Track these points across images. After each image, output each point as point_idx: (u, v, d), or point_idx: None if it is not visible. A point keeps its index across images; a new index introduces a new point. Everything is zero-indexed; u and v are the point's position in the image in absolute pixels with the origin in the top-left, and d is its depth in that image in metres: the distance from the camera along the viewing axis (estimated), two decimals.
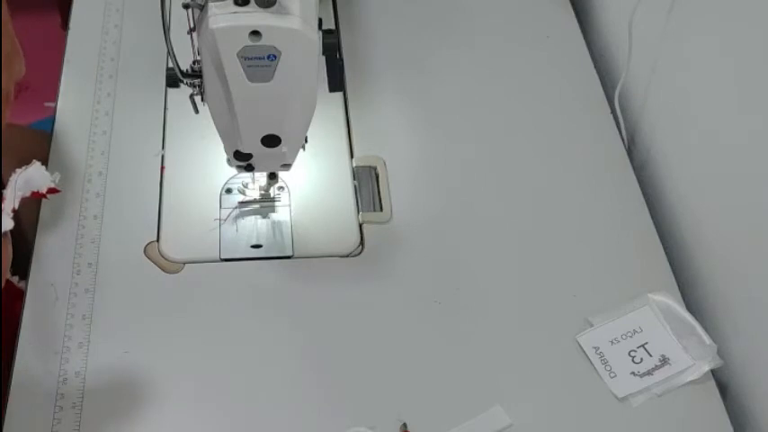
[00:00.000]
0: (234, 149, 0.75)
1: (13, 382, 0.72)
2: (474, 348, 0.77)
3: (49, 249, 0.81)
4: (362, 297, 0.80)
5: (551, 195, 0.89)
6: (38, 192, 0.69)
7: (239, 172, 0.80)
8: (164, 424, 0.71)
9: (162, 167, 0.88)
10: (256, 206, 0.86)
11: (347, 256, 0.83)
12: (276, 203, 0.86)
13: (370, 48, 1.01)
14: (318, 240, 0.84)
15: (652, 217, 0.88)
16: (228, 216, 0.85)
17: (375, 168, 0.90)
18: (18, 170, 0.68)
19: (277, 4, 0.62)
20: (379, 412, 0.73)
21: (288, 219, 0.85)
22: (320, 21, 0.67)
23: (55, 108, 0.92)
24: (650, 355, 0.77)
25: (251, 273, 0.81)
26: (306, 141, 0.77)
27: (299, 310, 0.79)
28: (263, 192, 0.86)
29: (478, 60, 1.00)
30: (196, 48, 0.69)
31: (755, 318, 0.77)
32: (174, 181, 0.87)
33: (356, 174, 0.89)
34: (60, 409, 0.71)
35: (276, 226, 0.85)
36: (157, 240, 0.83)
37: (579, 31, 1.04)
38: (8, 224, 0.65)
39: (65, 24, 1.01)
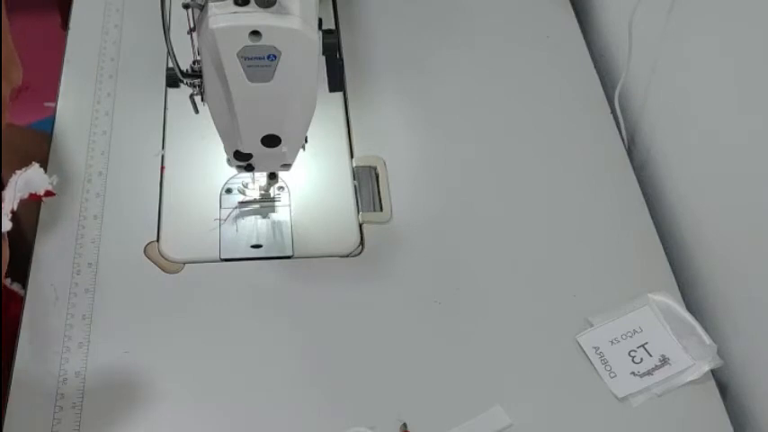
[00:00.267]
0: (234, 149, 0.75)
1: (13, 382, 0.72)
2: (474, 348, 0.77)
3: (49, 249, 0.81)
4: (362, 297, 0.80)
5: (551, 195, 0.89)
6: (35, 194, 0.69)
7: (239, 172, 0.80)
8: (163, 424, 0.71)
9: (162, 167, 0.88)
10: (256, 206, 0.86)
11: (347, 256, 0.83)
12: (276, 203, 0.86)
13: (370, 48, 1.01)
14: (318, 240, 0.84)
15: (652, 217, 0.88)
16: (228, 216, 0.85)
17: (375, 168, 0.90)
18: (18, 172, 0.68)
19: (277, 4, 0.62)
20: (379, 412, 0.73)
21: (288, 219, 0.85)
22: (320, 21, 0.67)
23: (55, 108, 0.92)
24: (650, 355, 0.77)
25: (251, 273, 0.81)
26: (306, 141, 0.77)
27: (299, 310, 0.79)
28: (263, 192, 0.86)
29: (478, 60, 1.00)
30: (196, 48, 0.69)
31: (755, 318, 0.77)
32: (174, 181, 0.87)
33: (356, 174, 0.89)
34: (60, 409, 0.71)
35: (276, 226, 0.85)
36: (157, 240, 0.83)
37: (579, 31, 1.04)
38: (6, 225, 0.66)
39: (65, 24, 1.01)
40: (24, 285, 0.79)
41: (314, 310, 0.79)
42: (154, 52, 0.94)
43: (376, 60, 1.00)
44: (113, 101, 0.93)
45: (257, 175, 0.85)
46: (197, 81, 0.71)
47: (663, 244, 0.86)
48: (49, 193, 0.70)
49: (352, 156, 0.91)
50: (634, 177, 0.91)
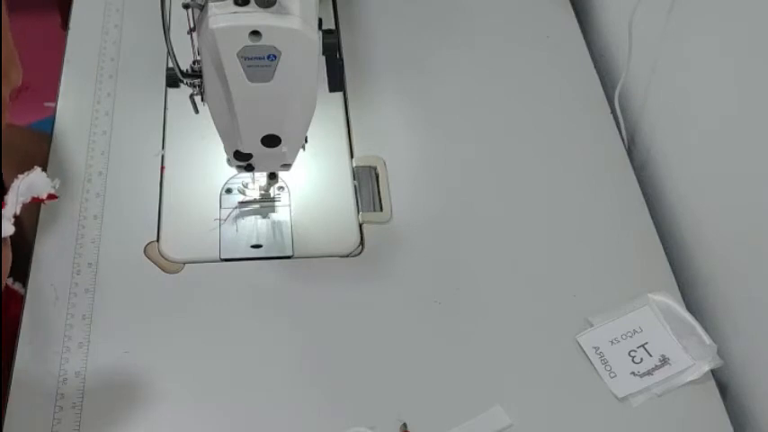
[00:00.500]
0: (234, 149, 0.75)
1: (13, 382, 0.72)
2: (474, 348, 0.77)
3: (49, 249, 0.81)
4: (362, 297, 0.80)
5: (551, 195, 0.89)
6: (37, 197, 0.69)
7: (239, 172, 0.80)
8: (163, 424, 0.71)
9: (162, 167, 0.88)
10: (256, 206, 0.86)
11: (347, 256, 0.83)
12: (276, 203, 0.86)
13: (370, 48, 1.01)
14: (318, 240, 0.84)
15: (652, 217, 0.88)
16: (228, 216, 0.85)
17: (375, 168, 0.90)
18: (20, 176, 0.68)
19: (277, 4, 0.62)
20: (379, 412, 0.73)
21: (288, 219, 0.85)
22: (320, 21, 0.67)
23: (55, 108, 0.92)
24: (650, 355, 0.77)
25: (251, 273, 0.81)
26: (306, 141, 0.77)
27: (299, 310, 0.79)
28: (263, 192, 0.86)
29: (478, 60, 1.00)
30: (196, 48, 0.69)
31: (755, 318, 0.77)
32: (174, 181, 0.87)
33: (356, 174, 0.89)
34: (60, 409, 0.71)
35: (276, 226, 0.85)
36: (157, 240, 0.83)
37: (579, 31, 1.04)
38: (9, 230, 0.65)
39: (65, 24, 1.01)
40: (24, 285, 0.79)
41: (314, 310, 0.79)
42: (154, 52, 0.94)
43: (376, 60, 1.00)
44: (113, 101, 0.93)
45: (257, 175, 0.85)
46: (197, 81, 0.71)
47: (663, 244, 0.86)
48: (51, 197, 0.70)
49: (352, 156, 0.91)
50: (634, 177, 0.91)
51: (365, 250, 0.83)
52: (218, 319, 0.78)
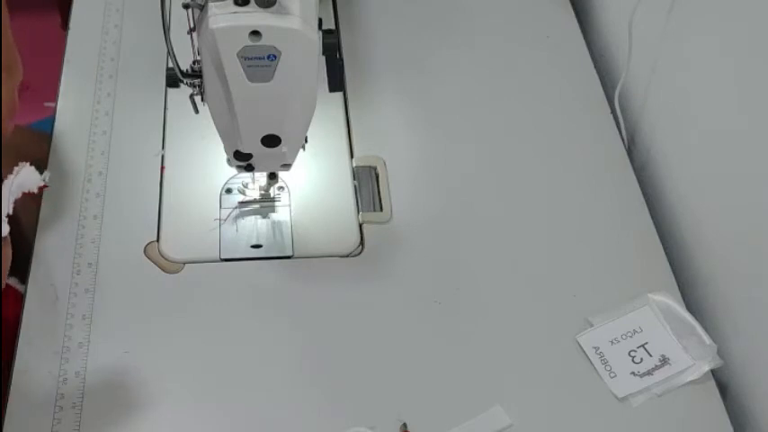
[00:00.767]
0: (234, 149, 0.75)
1: (13, 382, 0.72)
2: (474, 348, 0.77)
3: (49, 249, 0.81)
4: (362, 297, 0.80)
5: (551, 195, 0.89)
6: (29, 192, 0.70)
7: (239, 172, 0.80)
8: (163, 424, 0.71)
9: (162, 167, 0.88)
10: (256, 206, 0.86)
11: (347, 256, 0.83)
12: (276, 203, 0.86)
13: (370, 48, 1.01)
14: (318, 240, 0.84)
15: (652, 217, 0.88)
16: (228, 216, 0.85)
17: (375, 168, 0.90)
18: (10, 176, 0.69)
19: (277, 4, 0.62)
20: (379, 412, 0.73)
21: (288, 219, 0.85)
22: (320, 21, 0.67)
23: (55, 108, 0.92)
24: (650, 355, 0.77)
25: (251, 273, 0.81)
26: (306, 141, 0.77)
27: (299, 310, 0.79)
28: (263, 192, 0.86)
29: (478, 60, 1.00)
30: (196, 48, 0.69)
31: (755, 318, 0.77)
32: (174, 181, 0.87)
33: (356, 174, 0.89)
34: (60, 409, 0.71)
35: (276, 226, 0.85)
36: (157, 240, 0.83)
37: (579, 31, 1.04)
38: (5, 229, 0.66)
39: (65, 24, 1.01)
40: (24, 285, 0.79)
41: (314, 310, 0.79)
42: (154, 52, 0.94)
43: (376, 60, 1.00)
44: (113, 101, 0.93)
45: (257, 175, 0.85)
46: (197, 81, 0.71)
47: (663, 244, 0.86)
48: (42, 187, 0.71)
49: (352, 156, 0.91)
50: (634, 177, 0.91)
51: (365, 250, 0.83)
52: (218, 319, 0.78)
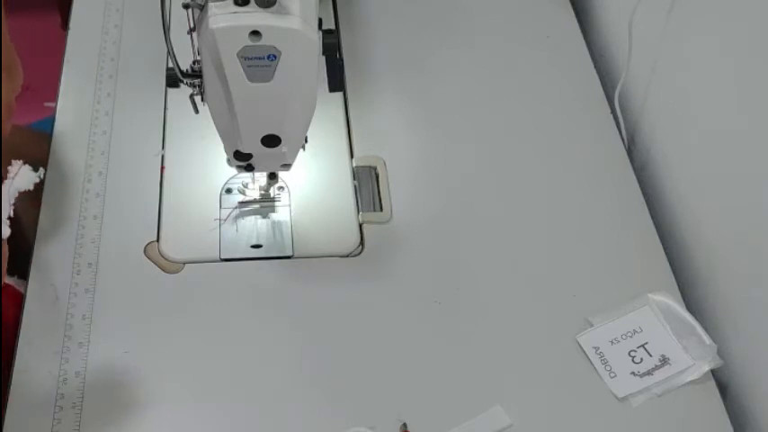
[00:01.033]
0: (234, 149, 0.75)
1: (13, 382, 0.72)
2: (474, 348, 0.77)
3: (50, 249, 0.81)
4: (362, 297, 0.80)
5: (551, 195, 0.89)
6: (26, 190, 0.71)
7: (239, 172, 0.80)
8: (163, 424, 0.71)
9: (162, 167, 0.88)
10: (256, 206, 0.86)
11: (347, 256, 0.83)
12: (276, 203, 0.86)
13: (370, 48, 1.01)
14: (318, 240, 0.84)
15: (652, 217, 0.88)
16: (228, 216, 0.85)
17: (375, 168, 0.90)
18: (7, 181, 0.69)
19: (277, 4, 0.62)
20: (379, 412, 0.73)
21: (288, 219, 0.85)
22: (320, 21, 0.67)
23: (55, 108, 0.92)
24: (650, 355, 0.77)
25: (251, 273, 0.81)
26: (306, 141, 0.77)
27: (299, 310, 0.79)
28: (263, 192, 0.86)
29: (478, 60, 1.00)
30: (196, 48, 0.69)
31: (755, 318, 0.77)
32: (174, 181, 0.87)
33: (356, 174, 0.89)
34: (60, 409, 0.71)
35: (276, 226, 0.85)
36: (157, 240, 0.83)
37: (579, 31, 1.04)
38: (6, 232, 0.67)
39: (65, 24, 1.01)
40: (24, 286, 0.79)
41: (314, 310, 0.79)
42: (154, 52, 0.94)
43: (376, 60, 1.00)
44: (113, 101, 0.93)
45: (257, 175, 0.85)
46: (197, 81, 0.71)
47: (663, 244, 0.86)
48: (38, 185, 0.72)
49: (352, 156, 0.91)
50: (634, 177, 0.91)
51: (365, 250, 0.83)
52: (218, 319, 0.78)
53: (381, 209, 0.86)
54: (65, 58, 0.97)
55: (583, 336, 0.78)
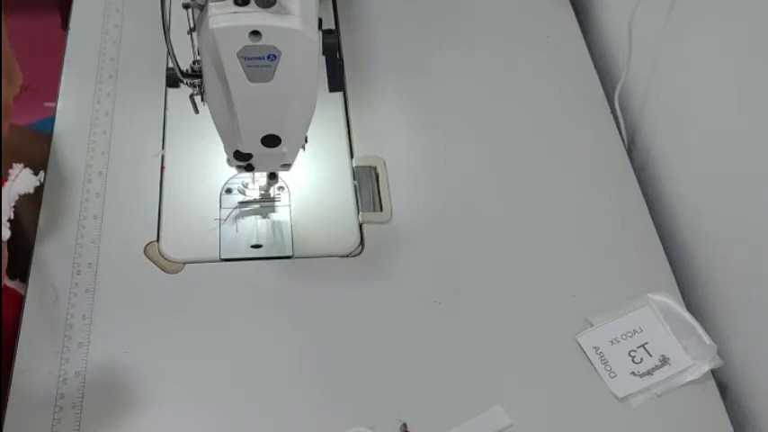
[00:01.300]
0: (234, 149, 0.75)
1: (13, 382, 0.72)
2: (474, 348, 0.77)
3: (50, 249, 0.81)
4: (362, 297, 0.80)
5: (551, 195, 0.89)
6: (26, 193, 0.71)
7: (239, 172, 0.80)
8: (163, 424, 0.71)
9: (162, 167, 0.88)
10: (256, 206, 0.86)
11: (347, 256, 0.83)
12: (276, 203, 0.86)
13: (370, 48, 1.01)
14: (318, 240, 0.84)
15: (652, 217, 0.88)
16: (228, 216, 0.85)
17: (375, 168, 0.90)
18: (7, 184, 0.69)
19: (277, 4, 0.62)
20: (379, 412, 0.73)
21: (288, 219, 0.85)
22: (320, 21, 0.67)
23: (55, 108, 0.92)
24: (650, 355, 0.77)
25: (251, 273, 0.81)
26: (306, 141, 0.77)
27: (299, 310, 0.79)
28: (263, 192, 0.86)
29: (478, 60, 1.00)
30: (196, 48, 0.69)
31: (755, 318, 0.77)
32: (174, 181, 0.87)
33: (356, 174, 0.89)
34: (60, 409, 0.71)
35: (276, 226, 0.85)
36: (157, 240, 0.83)
37: (579, 31, 1.04)
38: (6, 234, 0.68)
39: (65, 24, 1.01)
40: (24, 285, 0.79)
41: (314, 310, 0.79)
42: (154, 52, 0.94)
43: (376, 60, 1.00)
44: (113, 101, 0.93)
45: (257, 175, 0.85)
46: (197, 81, 0.71)
47: (663, 244, 0.86)
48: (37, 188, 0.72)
49: (352, 156, 0.91)
50: (634, 177, 0.91)
51: (365, 250, 0.83)
52: (218, 319, 0.78)
53: (381, 209, 0.86)
54: (65, 58, 0.97)
55: (583, 336, 0.78)
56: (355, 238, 0.84)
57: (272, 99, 0.68)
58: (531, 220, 0.86)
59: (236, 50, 0.63)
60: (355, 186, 0.88)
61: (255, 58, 0.64)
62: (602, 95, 0.98)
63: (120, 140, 0.90)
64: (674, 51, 0.89)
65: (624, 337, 0.78)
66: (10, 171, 0.73)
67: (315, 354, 0.76)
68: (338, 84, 0.75)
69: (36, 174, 0.74)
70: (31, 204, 0.84)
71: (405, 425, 0.72)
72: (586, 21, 1.08)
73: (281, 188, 0.87)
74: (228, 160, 0.77)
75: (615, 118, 0.96)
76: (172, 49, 0.68)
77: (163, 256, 0.82)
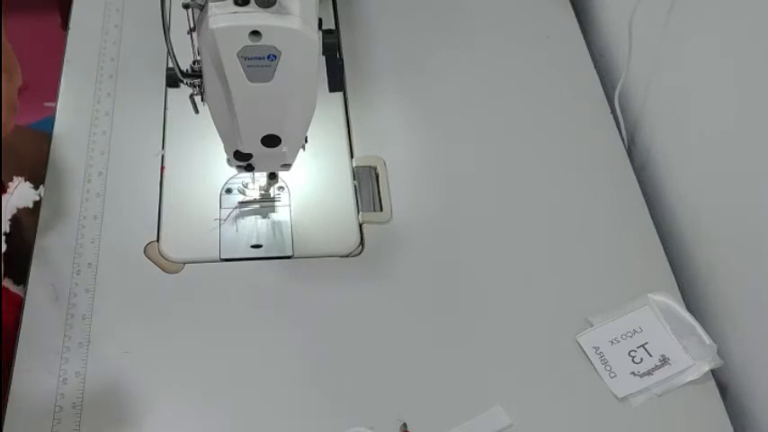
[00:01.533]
0: (234, 149, 0.75)
1: (13, 382, 0.72)
2: (474, 348, 0.77)
3: (49, 249, 0.81)
4: (362, 297, 0.80)
5: (551, 195, 0.89)
6: (24, 207, 0.72)
7: (239, 172, 0.80)
8: (163, 424, 0.71)
9: (162, 167, 0.88)
10: (256, 206, 0.86)
11: (347, 256, 0.83)
12: (276, 203, 0.86)
13: (370, 48, 1.01)
14: (318, 240, 0.84)
15: (652, 217, 0.88)
16: (228, 216, 0.85)
17: (375, 168, 0.90)
18: (5, 196, 0.70)
19: (277, 4, 0.62)
20: (379, 412, 0.73)
21: (288, 219, 0.85)
22: (320, 21, 0.67)
23: (55, 108, 0.92)
24: (650, 355, 0.77)
25: (251, 273, 0.81)
26: (306, 141, 0.77)
27: (299, 310, 0.79)
28: (263, 192, 0.86)
29: (478, 60, 1.00)
30: (196, 48, 0.69)
31: (755, 318, 0.77)
32: (174, 181, 0.87)
33: (356, 174, 0.89)
34: (60, 409, 0.71)
35: (276, 226, 0.85)
36: (157, 240, 0.83)
37: (579, 31, 1.04)
38: (3, 246, 0.70)
39: (65, 24, 1.01)
40: (24, 286, 0.79)
41: (314, 310, 0.79)
42: (154, 52, 0.94)
43: (376, 60, 1.00)
44: (113, 101, 0.93)
45: (257, 175, 0.85)
46: (197, 81, 0.71)
47: (663, 244, 0.86)
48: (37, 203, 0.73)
49: (352, 156, 0.91)
50: (634, 177, 0.91)
51: (365, 250, 0.83)
52: (218, 319, 0.78)
53: (381, 209, 0.86)
54: (65, 58, 0.97)
55: (583, 336, 0.78)
56: (355, 238, 0.84)
57: (272, 99, 0.68)
58: (530, 220, 0.86)
59: (236, 50, 0.63)
60: (355, 186, 0.88)
61: (255, 58, 0.64)
62: (602, 95, 0.98)
63: (120, 140, 0.90)
64: (674, 51, 0.89)
65: (624, 337, 0.78)
66: (9, 183, 0.73)
67: (315, 354, 0.76)
68: (338, 84, 0.75)
69: (36, 188, 0.74)
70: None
71: (405, 425, 0.72)
72: (586, 21, 1.08)
73: (281, 188, 0.87)
74: (228, 160, 0.77)
75: (615, 118, 0.96)
76: (172, 49, 0.68)
77: (163, 256, 0.82)
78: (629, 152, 0.95)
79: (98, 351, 0.75)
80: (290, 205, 0.86)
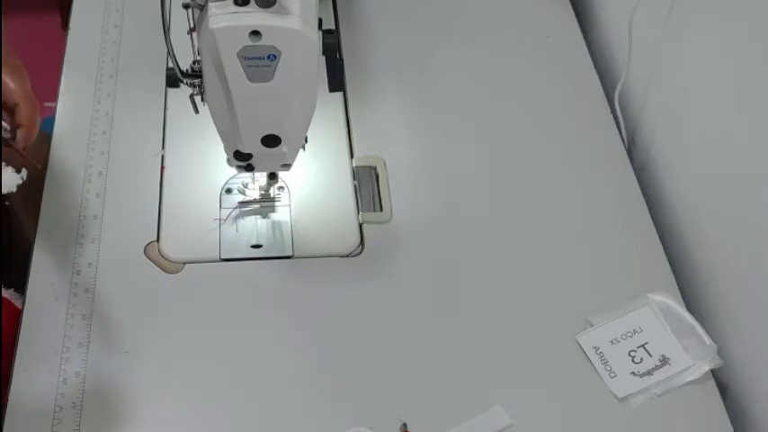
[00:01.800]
0: (234, 149, 0.75)
1: (13, 382, 0.72)
2: (474, 348, 0.77)
3: (50, 249, 0.81)
4: (362, 297, 0.80)
5: (551, 195, 0.89)
6: (9, 192, 0.71)
7: (239, 172, 0.80)
8: (163, 424, 0.71)
9: (162, 167, 0.88)
10: (256, 206, 0.86)
11: (347, 256, 0.83)
12: (276, 203, 0.86)
13: (370, 48, 1.01)
14: (318, 240, 0.84)
15: (652, 217, 0.88)
16: (228, 216, 0.85)
17: (375, 168, 0.90)
18: None
19: (277, 4, 0.62)
20: (379, 412, 0.73)
21: (288, 219, 0.85)
22: (320, 21, 0.67)
23: (55, 108, 0.92)
24: (650, 355, 0.77)
25: (251, 273, 0.81)
26: (306, 141, 0.77)
27: (299, 310, 0.79)
28: (263, 192, 0.86)
29: (478, 60, 1.00)
30: (196, 48, 0.69)
31: (755, 318, 0.77)
32: (174, 181, 0.87)
33: (356, 174, 0.89)
34: (60, 409, 0.71)
35: (276, 226, 0.85)
36: (157, 240, 0.83)
37: (579, 31, 1.04)
38: None
39: (65, 24, 1.01)
40: (24, 286, 0.79)
41: (314, 310, 0.79)
42: (154, 52, 0.94)
43: (376, 60, 1.00)
44: (113, 101, 0.93)
45: (257, 175, 0.85)
46: (197, 81, 0.71)
47: (663, 244, 0.86)
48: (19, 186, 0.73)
49: (352, 156, 0.91)
50: (634, 177, 0.91)
51: (365, 250, 0.83)
52: (218, 319, 0.78)
53: (381, 209, 0.86)
54: (65, 58, 0.97)
55: (583, 336, 0.78)
56: (355, 238, 0.84)
57: (272, 99, 0.68)
58: (530, 220, 0.86)
59: (236, 50, 0.63)
60: (355, 186, 0.88)
61: (255, 58, 0.64)
62: (602, 95, 0.98)
63: (120, 140, 0.90)
64: (674, 51, 0.89)
65: (624, 337, 0.78)
66: None
67: (315, 354, 0.76)
68: (338, 84, 0.75)
69: (18, 171, 0.73)
70: (30, 204, 0.84)
71: (405, 425, 0.72)
72: (586, 21, 1.08)
73: (281, 188, 0.87)
74: (228, 160, 0.77)
75: (615, 118, 0.96)
76: (172, 49, 0.68)
77: (163, 256, 0.82)
78: (629, 152, 0.95)
79: (98, 351, 0.75)
80: (290, 205, 0.86)
